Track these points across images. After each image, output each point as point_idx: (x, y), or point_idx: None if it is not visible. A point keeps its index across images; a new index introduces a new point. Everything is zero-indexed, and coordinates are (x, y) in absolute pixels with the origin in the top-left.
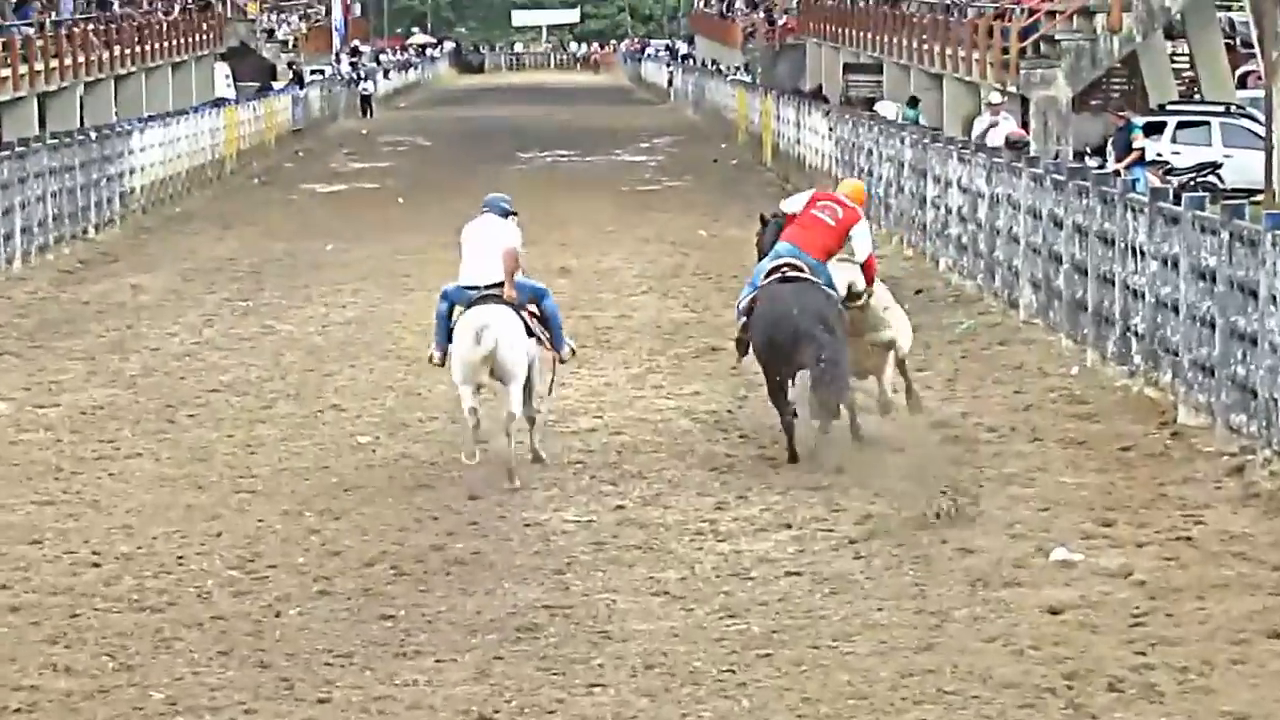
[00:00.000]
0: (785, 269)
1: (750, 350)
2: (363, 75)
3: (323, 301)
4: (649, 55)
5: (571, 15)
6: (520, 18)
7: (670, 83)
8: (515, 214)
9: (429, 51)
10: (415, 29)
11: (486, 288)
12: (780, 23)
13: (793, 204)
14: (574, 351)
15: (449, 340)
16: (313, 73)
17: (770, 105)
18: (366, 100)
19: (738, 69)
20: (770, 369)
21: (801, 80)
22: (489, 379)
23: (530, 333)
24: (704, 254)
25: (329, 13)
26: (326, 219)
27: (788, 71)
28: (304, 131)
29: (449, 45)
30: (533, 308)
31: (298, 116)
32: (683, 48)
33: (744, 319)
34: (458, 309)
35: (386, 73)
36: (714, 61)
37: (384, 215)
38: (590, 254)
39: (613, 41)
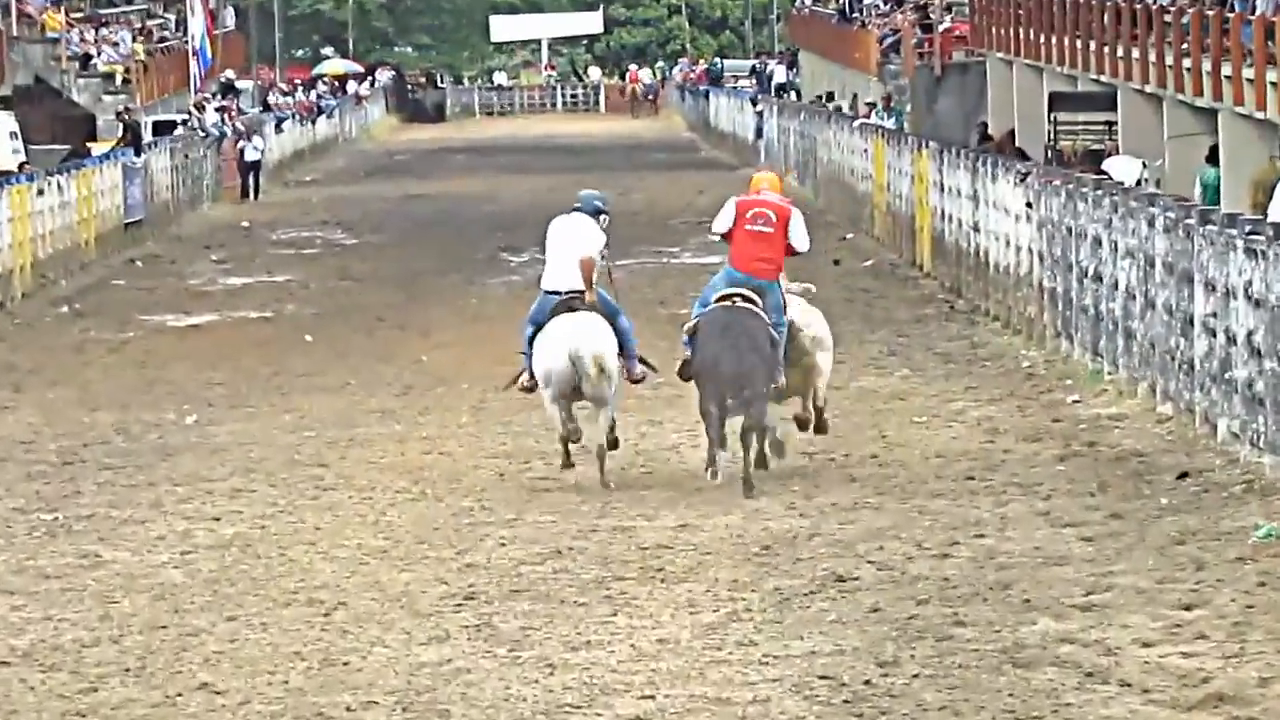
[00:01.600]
0: (736, 298)
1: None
2: (242, 130)
3: (181, 511)
4: (721, 86)
5: (589, 23)
6: (504, 28)
7: (759, 132)
8: (607, 212)
9: (354, 87)
10: (329, 50)
11: (568, 294)
12: (942, 27)
13: (721, 223)
14: (646, 374)
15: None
16: (159, 127)
17: (927, 166)
18: (250, 171)
19: (872, 106)
20: (705, 395)
21: (976, 121)
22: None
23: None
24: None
25: (183, 27)
26: (185, 374)
27: (955, 108)
28: (145, 226)
29: (385, 76)
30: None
31: (134, 201)
32: (778, 72)
33: (687, 341)
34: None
35: (281, 124)
36: (829, 96)
37: (281, 365)
38: (633, 423)
39: (659, 65)
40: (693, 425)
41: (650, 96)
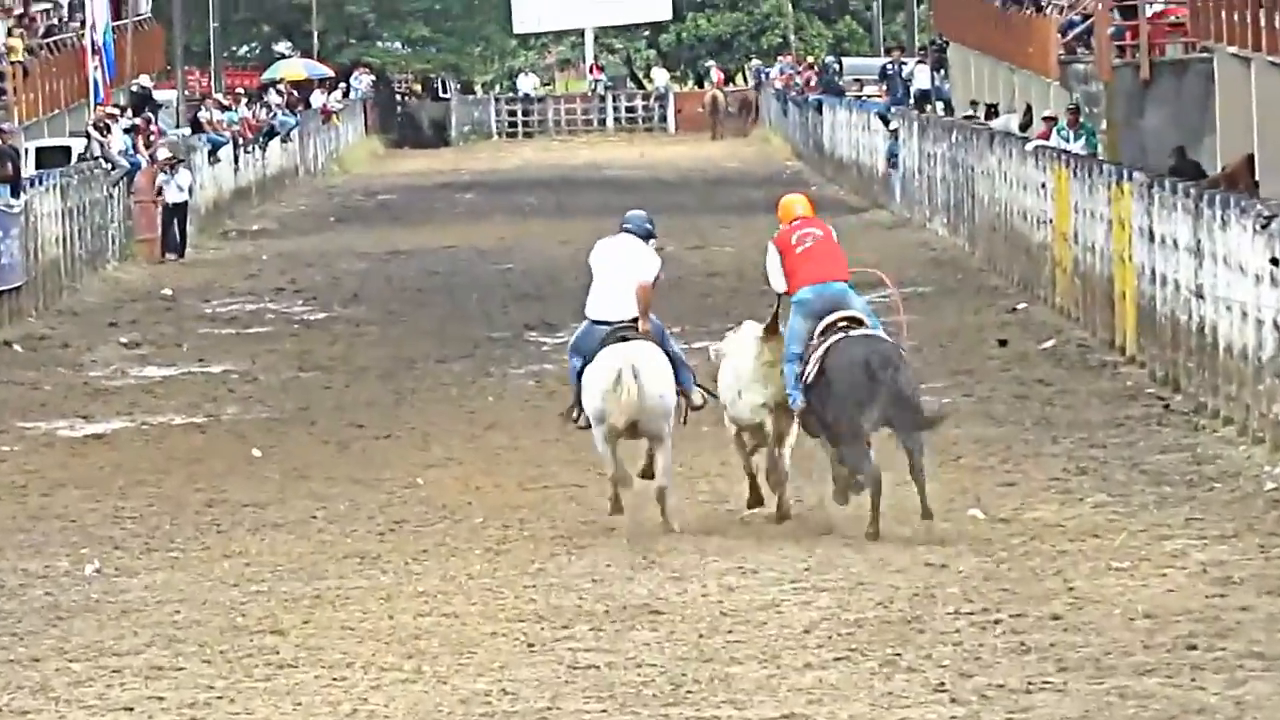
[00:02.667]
0: (843, 323)
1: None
2: (162, 160)
3: (78, 698)
4: (839, 95)
5: (652, 8)
6: (531, 15)
7: (893, 160)
8: (655, 235)
9: (320, 99)
10: (285, 47)
11: (619, 324)
12: (1150, 11)
13: (776, 277)
14: (705, 400)
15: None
16: (45, 155)
17: (1130, 207)
18: (173, 218)
19: (1052, 122)
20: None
21: (1200, 140)
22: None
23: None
24: (981, 563)
25: (79, 16)
26: (82, 504)
27: (1168, 123)
28: (25, 294)
29: (364, 83)
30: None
31: (9, 261)
32: (919, 75)
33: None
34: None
35: (218, 151)
36: (991, 110)
37: (217, 491)
38: (717, 569)
39: (751, 66)
40: (796, 575)
41: (740, 110)
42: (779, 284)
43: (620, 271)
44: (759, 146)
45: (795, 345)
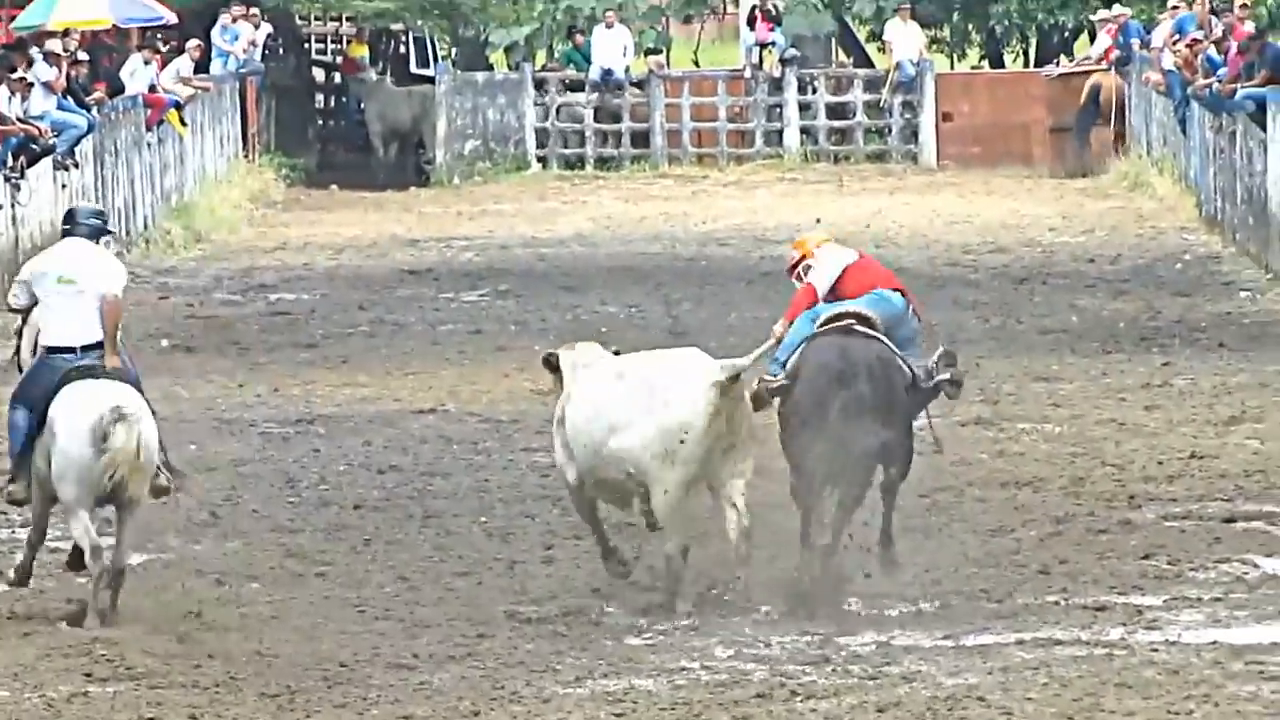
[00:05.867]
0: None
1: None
2: None
3: None
4: None
5: None
6: None
7: None
8: (109, 231)
9: (144, 75)
10: None
11: (85, 350)
12: None
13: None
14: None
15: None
16: None
17: None
18: None
19: None
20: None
21: None
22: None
23: None
24: None
25: None
26: None
27: None
28: None
29: (242, 41)
30: None
31: None
32: None
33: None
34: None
35: None
36: None
37: None
38: None
39: (1104, 14)
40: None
41: (1093, 114)
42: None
43: (76, 286)
44: (1121, 196)
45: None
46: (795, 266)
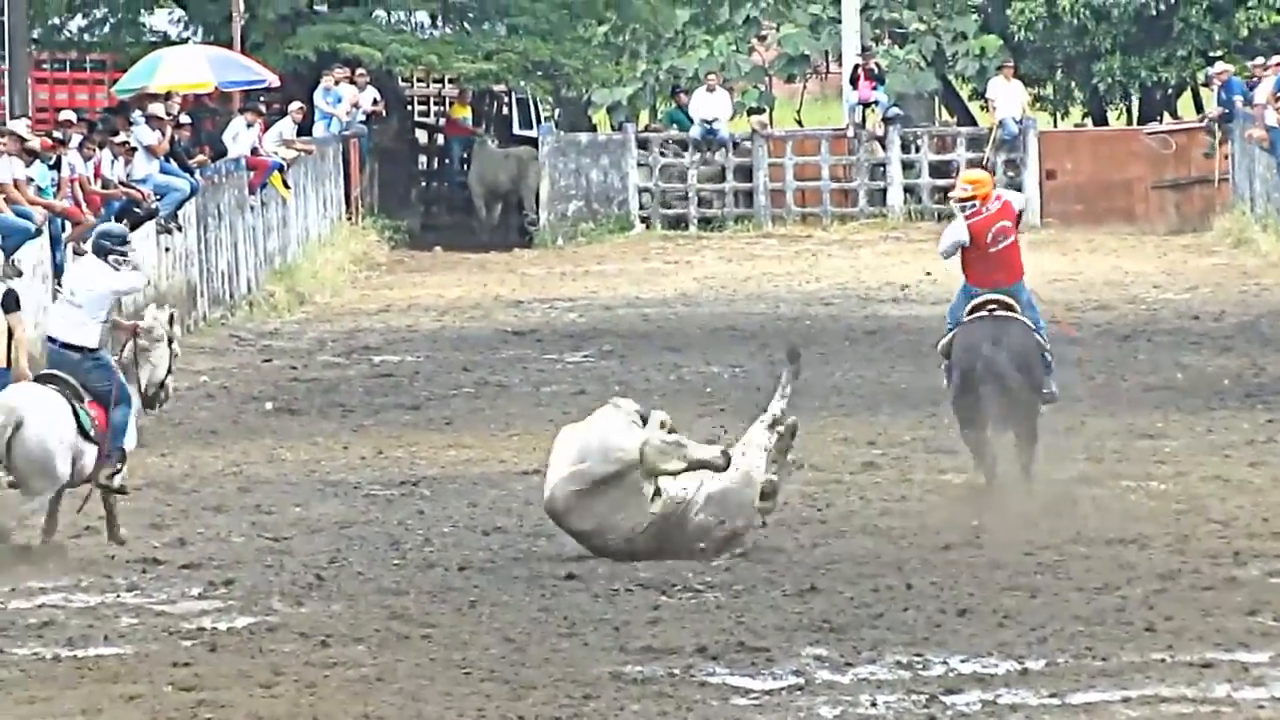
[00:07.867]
0: (990, 305)
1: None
2: None
3: None
4: None
5: None
6: None
7: None
8: (117, 251)
9: (247, 137)
10: (166, 19)
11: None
12: None
13: (951, 243)
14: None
15: None
16: None
17: None
18: None
19: None
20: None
21: None
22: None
23: None
24: None
25: None
26: None
27: None
28: None
29: (344, 102)
30: None
31: None
32: None
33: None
34: None
35: (11, 255)
36: None
37: None
38: None
39: (1210, 72)
40: None
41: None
42: (949, 251)
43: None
44: (1225, 253)
45: (950, 319)
46: (969, 200)
